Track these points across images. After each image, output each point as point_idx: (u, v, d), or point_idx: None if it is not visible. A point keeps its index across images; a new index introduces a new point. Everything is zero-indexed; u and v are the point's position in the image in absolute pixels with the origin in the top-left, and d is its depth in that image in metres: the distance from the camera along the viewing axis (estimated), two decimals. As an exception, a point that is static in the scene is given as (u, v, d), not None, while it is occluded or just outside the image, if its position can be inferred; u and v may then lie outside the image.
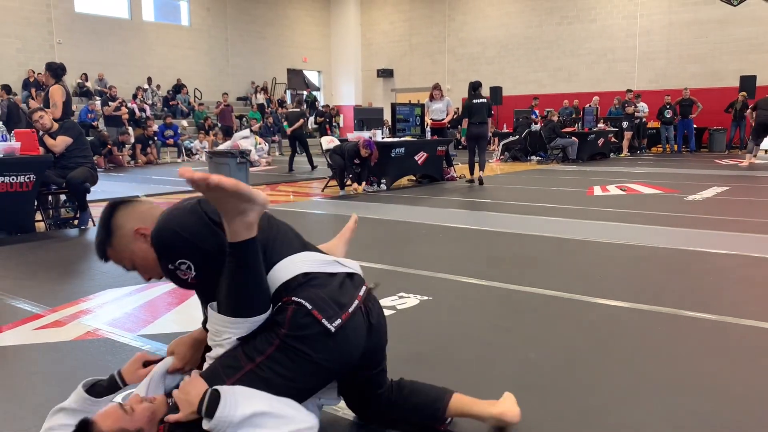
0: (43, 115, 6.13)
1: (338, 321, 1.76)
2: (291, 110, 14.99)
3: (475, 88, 9.83)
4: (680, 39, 18.45)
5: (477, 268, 4.36)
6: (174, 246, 1.75)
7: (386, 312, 3.30)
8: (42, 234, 5.98)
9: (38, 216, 6.17)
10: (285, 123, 14.38)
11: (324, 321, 1.73)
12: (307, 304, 1.73)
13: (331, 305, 1.77)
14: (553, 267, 4.47)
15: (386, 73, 24.56)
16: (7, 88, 12.61)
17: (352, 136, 9.64)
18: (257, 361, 1.72)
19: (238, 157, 8.49)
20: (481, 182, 9.70)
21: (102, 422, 1.69)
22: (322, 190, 9.33)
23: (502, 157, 15.28)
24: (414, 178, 10.43)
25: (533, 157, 14.77)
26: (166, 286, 3.98)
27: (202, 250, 1.74)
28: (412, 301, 3.58)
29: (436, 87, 10.60)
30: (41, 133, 6.13)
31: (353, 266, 1.97)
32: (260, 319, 1.74)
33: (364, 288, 1.93)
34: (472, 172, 10.11)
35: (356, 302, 1.84)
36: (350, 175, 9.18)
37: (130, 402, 1.75)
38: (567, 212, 6.84)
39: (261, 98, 21.61)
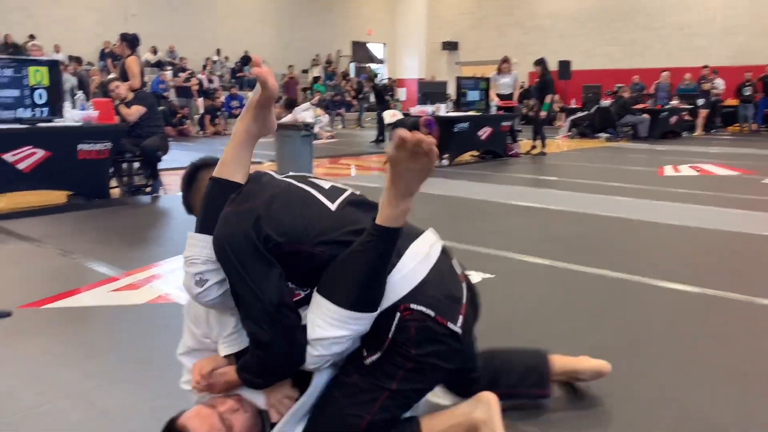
0: (119, 85, 6.35)
1: (460, 319, 1.62)
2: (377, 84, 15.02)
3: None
4: (765, 12, 17.38)
5: (541, 247, 4.30)
6: (220, 259, 1.64)
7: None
8: (116, 200, 6.24)
9: (113, 183, 6.44)
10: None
11: (450, 325, 1.59)
12: (429, 312, 1.57)
13: (449, 303, 1.62)
14: (619, 248, 4.36)
15: (451, 46, 24.20)
16: (78, 60, 13.07)
17: (415, 110, 9.58)
18: (392, 388, 1.59)
19: (303, 129, 8.58)
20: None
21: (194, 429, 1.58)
22: (384, 164, 9.33)
23: (569, 133, 14.90)
24: (477, 154, 10.31)
25: (602, 134, 14.34)
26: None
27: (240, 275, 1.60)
28: (473, 278, 3.56)
29: (505, 60, 10.35)
30: (117, 102, 6.36)
31: (435, 237, 1.77)
32: (372, 317, 1.58)
33: (456, 262, 1.75)
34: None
35: (464, 286, 1.70)
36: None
37: (224, 409, 1.64)
38: (636, 192, 6.63)
39: (316, 71, 21.70)
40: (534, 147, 10.65)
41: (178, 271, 3.76)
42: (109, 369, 2.38)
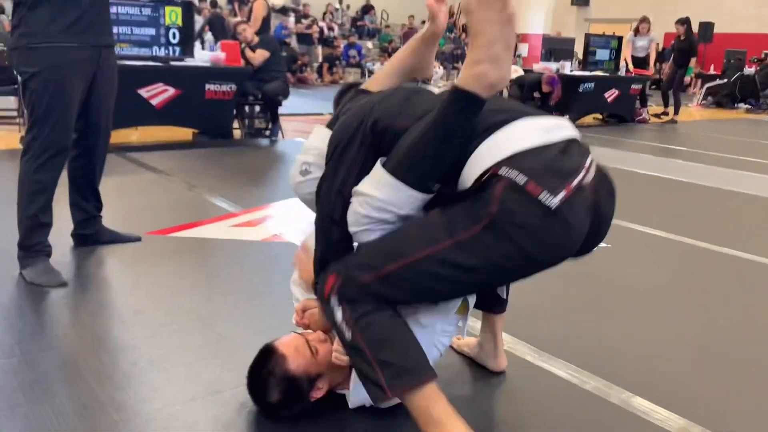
0: (246, 28, 6.53)
1: (561, 194, 1.33)
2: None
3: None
4: None
5: (662, 220, 4.04)
6: (327, 154, 1.59)
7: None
8: (237, 141, 6.49)
9: (235, 124, 6.69)
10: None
11: (544, 194, 1.32)
12: (521, 176, 1.33)
13: (551, 176, 1.35)
14: (748, 227, 4.02)
15: (581, 2, 22.94)
16: (213, 3, 13.58)
17: (538, 67, 9.21)
18: (458, 239, 1.37)
19: (419, 82, 8.50)
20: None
21: (290, 357, 1.65)
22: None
23: (703, 102, 13.83)
24: (600, 117, 9.81)
25: (741, 105, 13.20)
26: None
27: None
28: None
29: (644, 20, 9.62)
30: (243, 45, 6.55)
31: (572, 130, 1.49)
32: (418, 199, 1.43)
33: (590, 158, 1.47)
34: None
35: (583, 173, 1.40)
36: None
37: (313, 338, 1.71)
38: (776, 169, 6.08)
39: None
40: (665, 113, 9.98)
41: (291, 213, 3.87)
42: (227, 298, 2.50)
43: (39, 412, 1.68)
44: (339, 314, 1.47)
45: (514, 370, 2.03)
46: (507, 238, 1.35)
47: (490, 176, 1.37)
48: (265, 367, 1.67)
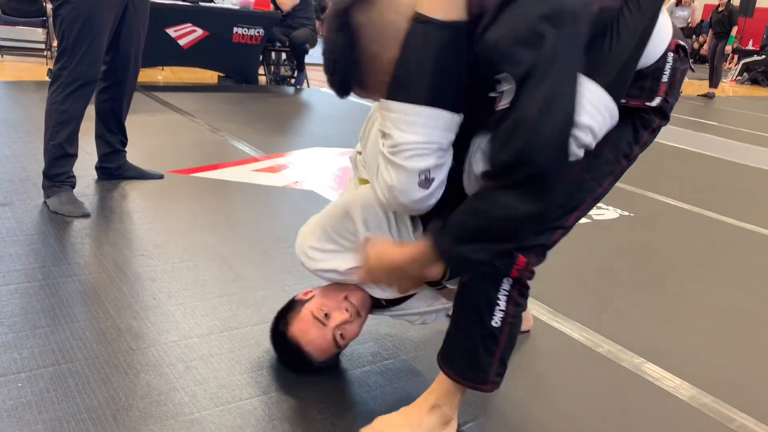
0: (276, -27, 6.42)
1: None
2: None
3: None
4: None
5: (688, 193, 3.98)
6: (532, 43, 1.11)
7: (582, 221, 3.17)
8: (262, 87, 6.45)
9: (261, 70, 6.64)
10: None
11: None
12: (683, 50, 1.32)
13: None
14: (781, 208, 3.95)
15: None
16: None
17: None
18: (632, 154, 1.37)
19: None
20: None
21: (314, 354, 1.59)
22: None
23: (738, 77, 13.47)
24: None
25: (777, 83, 12.86)
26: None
27: None
28: (611, 213, 3.38)
29: (686, -10, 9.36)
30: (273, -10, 6.45)
31: None
32: (614, 115, 1.24)
33: None
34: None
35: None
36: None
37: (338, 323, 1.57)
38: (809, 150, 5.93)
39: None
40: (713, 87, 9.72)
41: (313, 161, 3.86)
42: (246, 239, 2.51)
43: (59, 336, 1.71)
44: (503, 303, 1.31)
45: (531, 329, 2.04)
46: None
47: (673, 49, 1.30)
48: (288, 355, 1.64)
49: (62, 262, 2.16)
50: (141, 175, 3.07)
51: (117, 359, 1.64)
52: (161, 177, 3.13)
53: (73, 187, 2.66)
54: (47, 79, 2.76)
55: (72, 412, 1.42)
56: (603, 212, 3.38)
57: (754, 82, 13.13)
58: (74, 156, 2.66)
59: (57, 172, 2.61)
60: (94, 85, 2.64)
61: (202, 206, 2.86)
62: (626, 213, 3.42)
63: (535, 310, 2.17)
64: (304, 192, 3.23)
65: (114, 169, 3.02)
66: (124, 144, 3.03)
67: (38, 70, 5.93)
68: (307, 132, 4.88)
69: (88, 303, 1.90)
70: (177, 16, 5.66)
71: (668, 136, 5.91)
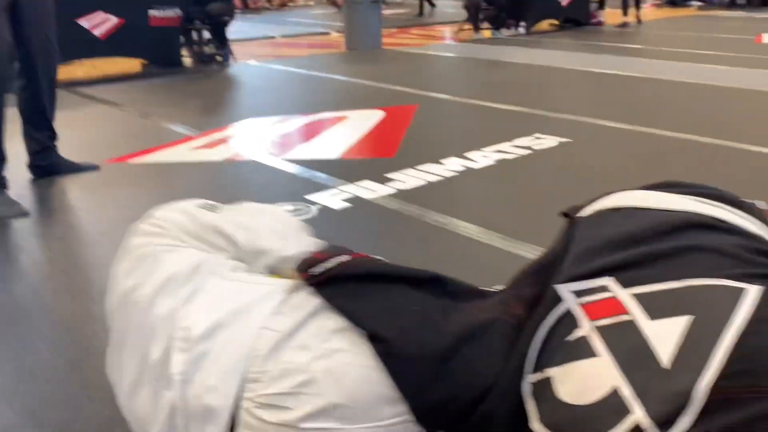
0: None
1: None
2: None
3: None
4: None
5: (620, 113, 4.09)
6: None
7: (522, 152, 3.25)
8: (188, 69, 6.28)
9: (185, 53, 6.46)
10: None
11: None
12: None
13: None
14: (706, 115, 4.11)
15: None
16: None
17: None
18: None
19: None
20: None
21: None
22: (455, 34, 8.96)
23: (656, 1, 13.80)
24: (556, 23, 9.72)
25: (694, 2, 13.20)
26: (305, 118, 4.11)
27: None
28: (549, 142, 3.46)
29: None
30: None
31: None
32: None
33: None
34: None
35: None
36: (484, 18, 8.73)
37: None
38: (727, 60, 6.15)
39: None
40: (625, 16, 9.89)
41: (251, 132, 3.82)
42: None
43: (20, 334, 1.68)
44: None
45: (487, 256, 2.09)
46: None
47: None
48: None
49: (9, 262, 2.10)
50: (76, 168, 2.99)
51: (80, 344, 1.62)
52: (97, 168, 3.05)
53: (6, 188, 2.57)
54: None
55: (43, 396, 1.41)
56: (542, 141, 3.45)
57: (672, 4, 13.45)
58: (2, 159, 2.57)
59: None
60: None
61: (144, 190, 2.80)
62: (565, 139, 3.50)
63: (489, 238, 2.22)
64: (247, 163, 3.20)
65: (47, 166, 2.92)
66: (53, 139, 2.93)
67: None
68: (241, 105, 4.81)
69: (43, 298, 1.86)
70: (86, 4, 5.43)
71: (596, 63, 6.04)
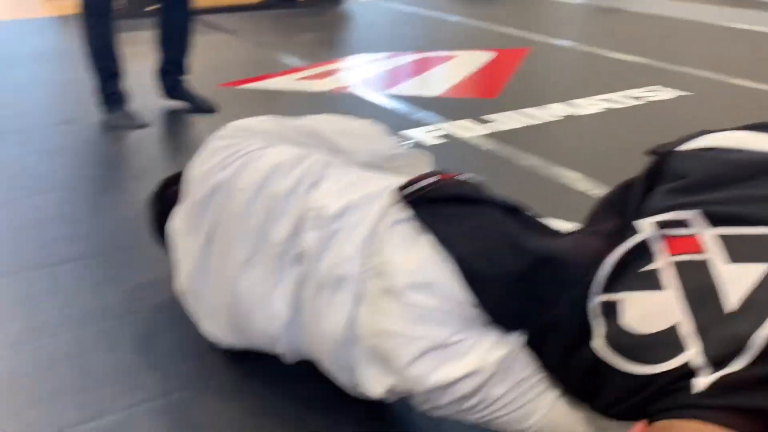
0: None
1: None
2: None
3: None
4: None
5: (748, 70, 3.78)
6: None
7: (633, 103, 3.09)
8: (303, 3, 6.37)
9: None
10: None
11: None
12: None
13: None
14: None
15: None
16: None
17: None
18: None
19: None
20: None
21: None
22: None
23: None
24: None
25: None
26: (413, 56, 4.10)
27: None
28: (667, 94, 3.27)
29: None
30: None
31: None
32: None
33: None
34: None
35: None
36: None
37: None
38: None
39: None
40: None
41: (358, 67, 3.86)
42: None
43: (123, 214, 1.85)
44: None
45: (582, 204, 2.05)
46: None
47: None
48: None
49: (115, 166, 2.29)
50: (197, 102, 2.95)
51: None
52: (213, 112, 2.92)
53: (125, 102, 2.76)
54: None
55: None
56: (657, 93, 3.27)
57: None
58: (117, 74, 2.71)
59: (109, 91, 2.71)
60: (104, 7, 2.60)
61: (252, 113, 2.92)
62: (685, 92, 3.29)
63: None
64: (350, 96, 3.26)
65: (171, 87, 2.96)
66: (182, 71, 2.94)
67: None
68: (351, 40, 4.86)
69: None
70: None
71: (722, 16, 5.56)
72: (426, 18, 5.65)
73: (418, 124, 2.78)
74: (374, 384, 0.98)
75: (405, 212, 1.01)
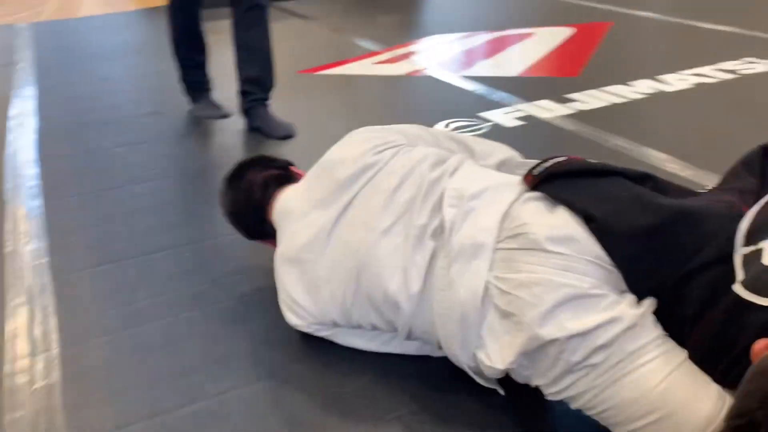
0: None
1: None
2: None
3: None
4: None
5: None
6: None
7: (726, 77, 2.91)
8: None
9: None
10: None
11: None
12: None
13: None
14: None
15: None
16: None
17: None
18: None
19: None
20: None
21: None
22: None
23: None
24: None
25: None
26: (490, 35, 4.01)
27: None
28: (762, 67, 3.06)
29: None
30: None
31: None
32: None
33: None
34: None
35: None
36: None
37: None
38: None
39: None
40: None
41: (433, 48, 3.82)
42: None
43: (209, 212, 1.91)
44: None
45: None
46: None
47: None
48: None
49: (203, 156, 2.37)
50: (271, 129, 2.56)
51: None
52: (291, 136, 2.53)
53: (209, 91, 2.84)
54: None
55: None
56: (753, 66, 3.06)
57: None
58: (202, 64, 2.78)
59: (192, 80, 2.80)
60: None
61: (328, 99, 2.97)
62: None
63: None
64: (427, 78, 3.24)
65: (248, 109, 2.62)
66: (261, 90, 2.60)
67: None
68: (428, 21, 4.82)
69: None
70: None
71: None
72: (502, -6, 5.51)
73: (496, 105, 2.73)
74: (503, 351, 0.99)
75: (538, 191, 1.06)
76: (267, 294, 1.38)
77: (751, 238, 0.88)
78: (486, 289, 1.01)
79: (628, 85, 2.87)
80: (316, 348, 1.31)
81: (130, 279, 1.61)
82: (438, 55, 3.66)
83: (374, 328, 1.21)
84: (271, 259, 1.33)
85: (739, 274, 0.86)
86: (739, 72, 2.98)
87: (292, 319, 1.28)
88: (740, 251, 0.89)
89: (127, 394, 1.23)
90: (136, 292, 1.55)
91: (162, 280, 1.60)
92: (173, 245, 1.76)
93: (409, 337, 1.18)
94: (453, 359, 1.11)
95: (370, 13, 4.96)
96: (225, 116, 2.75)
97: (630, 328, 0.91)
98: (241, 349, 1.34)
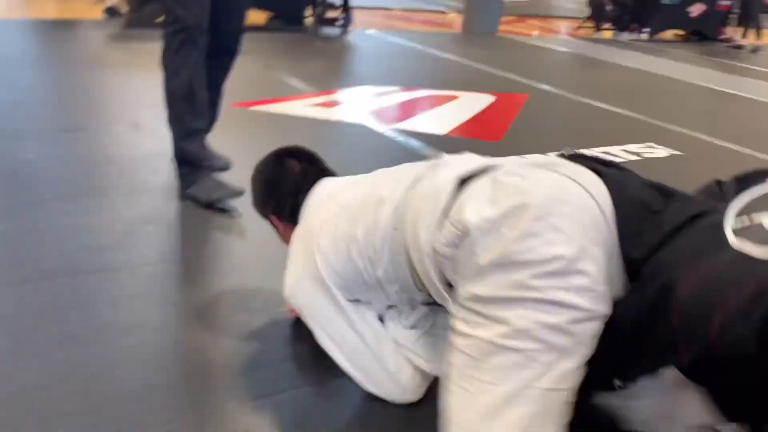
0: None
1: None
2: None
3: None
4: None
5: (736, 134, 3.96)
6: None
7: (630, 158, 3.22)
8: (309, 29, 6.49)
9: (307, 12, 6.67)
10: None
11: None
12: None
13: None
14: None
15: None
16: None
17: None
18: None
19: None
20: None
21: None
22: (574, 30, 8.79)
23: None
24: (682, 34, 9.34)
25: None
26: (418, 92, 4.21)
27: None
28: (661, 152, 3.41)
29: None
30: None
31: None
32: None
33: None
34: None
35: None
36: (607, 18, 8.52)
37: None
38: None
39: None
40: (744, 38, 9.38)
41: (366, 98, 3.95)
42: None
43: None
44: None
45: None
46: None
47: None
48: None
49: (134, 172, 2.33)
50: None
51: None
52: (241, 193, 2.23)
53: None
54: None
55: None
56: (653, 150, 3.41)
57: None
58: (201, 130, 2.26)
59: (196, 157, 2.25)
60: (198, 33, 2.13)
61: (263, 135, 2.99)
62: (677, 152, 3.44)
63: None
64: (358, 126, 3.34)
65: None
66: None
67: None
68: (357, 70, 4.97)
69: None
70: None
71: (711, 79, 5.80)
72: (427, 55, 5.79)
73: (425, 159, 2.86)
74: (485, 251, 1.04)
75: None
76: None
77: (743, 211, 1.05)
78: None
79: (545, 155, 3.11)
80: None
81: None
82: (369, 105, 3.78)
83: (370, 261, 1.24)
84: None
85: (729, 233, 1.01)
86: (642, 155, 3.31)
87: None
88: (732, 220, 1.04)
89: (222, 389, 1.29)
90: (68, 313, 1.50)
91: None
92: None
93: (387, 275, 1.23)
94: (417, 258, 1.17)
95: (303, 56, 5.07)
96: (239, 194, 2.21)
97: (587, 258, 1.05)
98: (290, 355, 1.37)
